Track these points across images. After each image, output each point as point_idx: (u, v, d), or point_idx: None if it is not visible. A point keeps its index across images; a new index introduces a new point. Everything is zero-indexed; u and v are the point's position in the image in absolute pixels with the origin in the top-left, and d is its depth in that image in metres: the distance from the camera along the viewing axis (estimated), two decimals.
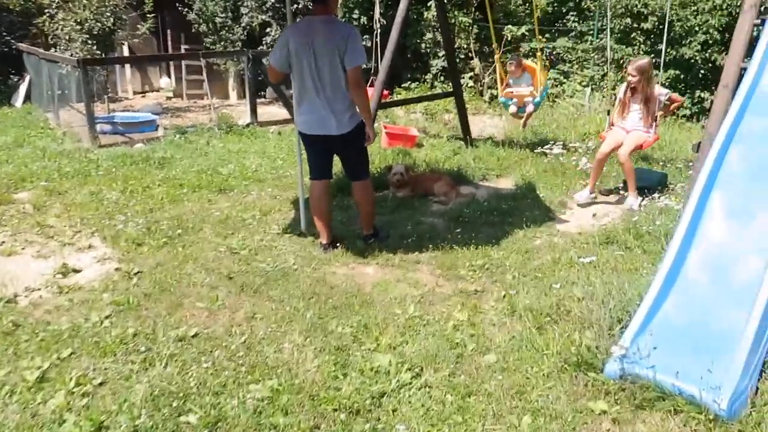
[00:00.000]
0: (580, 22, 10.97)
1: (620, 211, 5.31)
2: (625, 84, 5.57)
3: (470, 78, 11.69)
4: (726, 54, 5.29)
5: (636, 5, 9.53)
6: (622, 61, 9.66)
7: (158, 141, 8.55)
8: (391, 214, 5.32)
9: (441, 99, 9.61)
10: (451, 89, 7.37)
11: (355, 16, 11.74)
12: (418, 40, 11.88)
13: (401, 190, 5.73)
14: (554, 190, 5.91)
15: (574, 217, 5.24)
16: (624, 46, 9.91)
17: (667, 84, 9.06)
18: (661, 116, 5.56)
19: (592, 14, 10.77)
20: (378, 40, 8.73)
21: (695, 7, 9.18)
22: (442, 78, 12.01)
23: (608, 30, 10.01)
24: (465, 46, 11.85)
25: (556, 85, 10.74)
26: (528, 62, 7.05)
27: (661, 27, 9.01)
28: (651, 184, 5.70)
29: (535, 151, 7.31)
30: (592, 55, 10.65)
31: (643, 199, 5.33)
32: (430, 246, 4.42)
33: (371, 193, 4.46)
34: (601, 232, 4.62)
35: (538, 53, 6.98)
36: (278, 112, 11.07)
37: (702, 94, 9.35)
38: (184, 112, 12.24)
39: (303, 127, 4.19)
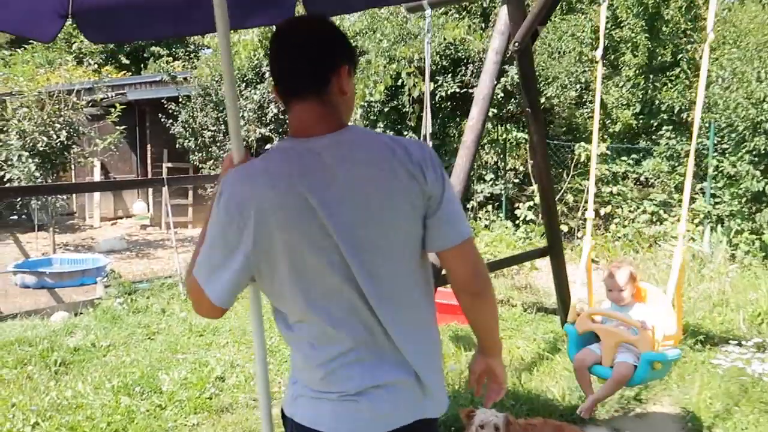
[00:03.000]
0: (680, 137, 8.59)
1: None
2: None
3: (529, 209, 9.18)
4: None
5: None
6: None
7: (88, 309, 5.89)
8: None
9: (533, 259, 5.91)
10: (546, 241, 4.70)
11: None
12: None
13: None
14: None
15: None
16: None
17: None
18: None
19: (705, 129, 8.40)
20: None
21: None
22: (489, 209, 9.53)
23: (711, 148, 7.68)
24: (521, 168, 9.49)
25: (655, 222, 8.15)
26: (647, 286, 3.44)
27: None
28: None
29: (695, 349, 4.50)
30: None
31: None
32: None
33: None
34: None
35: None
36: None
37: None
38: (154, 249, 9.74)
39: (336, 423, 1.36)
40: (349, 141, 1.34)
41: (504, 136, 9.17)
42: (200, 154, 10.68)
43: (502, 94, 9.12)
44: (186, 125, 10.63)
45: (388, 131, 9.34)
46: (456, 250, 1.38)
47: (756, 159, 6.97)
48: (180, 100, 10.86)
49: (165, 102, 10.80)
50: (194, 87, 10.69)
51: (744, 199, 7.19)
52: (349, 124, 1.41)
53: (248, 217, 1.28)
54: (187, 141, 10.75)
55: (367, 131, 1.45)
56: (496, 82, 3.73)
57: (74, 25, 2.24)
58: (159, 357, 4.59)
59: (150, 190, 12.06)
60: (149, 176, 12.14)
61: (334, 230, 1.28)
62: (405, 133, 9.41)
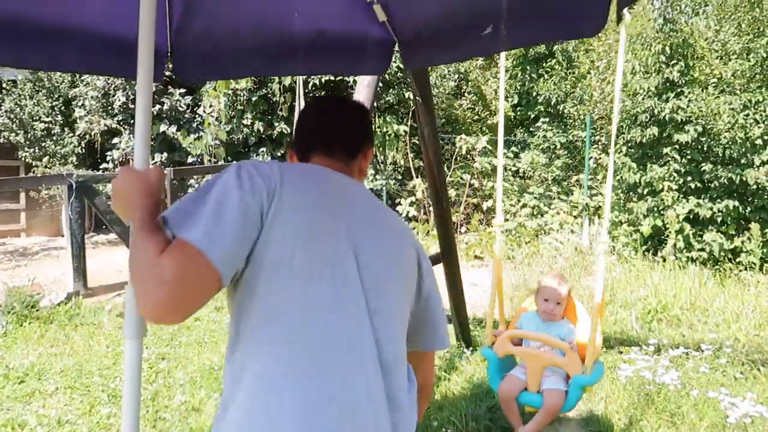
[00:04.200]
0: (560, 129, 8.62)
1: None
2: None
3: (411, 205, 8.82)
4: None
5: (662, 108, 6.72)
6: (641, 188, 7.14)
7: None
8: None
9: None
10: (439, 246, 4.21)
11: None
12: None
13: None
14: None
15: None
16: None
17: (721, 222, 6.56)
18: None
19: (577, 120, 8.46)
20: None
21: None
22: None
23: (588, 141, 7.79)
24: (402, 162, 9.09)
25: (536, 215, 8.11)
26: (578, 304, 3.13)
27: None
28: None
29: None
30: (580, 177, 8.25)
31: None
32: None
33: None
34: None
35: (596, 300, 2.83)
36: (122, 266, 7.37)
37: None
38: None
39: None
40: (372, 198, 1.39)
41: (383, 128, 8.71)
42: (32, 150, 9.11)
43: (381, 84, 8.65)
44: (12, 115, 9.02)
45: (257, 123, 8.53)
46: (432, 355, 1.47)
47: (632, 151, 7.07)
48: (3, 85, 9.20)
49: None
50: (21, 70, 9.09)
51: (619, 191, 7.30)
52: None
53: (274, 186, 1.15)
54: (14, 134, 9.13)
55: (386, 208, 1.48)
56: None
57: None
58: None
59: None
60: None
61: (355, 260, 1.21)
62: (276, 124, 8.65)
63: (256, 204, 1.10)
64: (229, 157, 8.84)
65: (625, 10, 1.69)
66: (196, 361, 4.37)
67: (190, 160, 8.61)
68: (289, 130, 8.57)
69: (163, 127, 8.35)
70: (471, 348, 4.36)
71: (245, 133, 8.59)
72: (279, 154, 8.87)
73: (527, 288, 5.91)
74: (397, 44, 2.35)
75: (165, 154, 8.47)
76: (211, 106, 8.47)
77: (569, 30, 1.86)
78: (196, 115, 8.70)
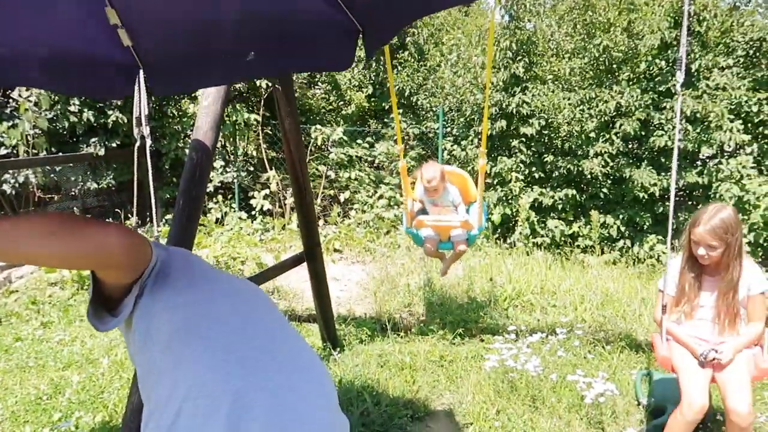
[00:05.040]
0: (414, 121, 8.73)
1: None
2: (683, 250, 2.97)
3: (265, 198, 8.45)
4: None
5: (509, 102, 7.03)
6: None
7: None
8: None
9: (290, 269, 4.08)
10: (303, 245, 3.97)
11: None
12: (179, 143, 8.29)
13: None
14: None
15: None
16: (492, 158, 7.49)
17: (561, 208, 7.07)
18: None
19: (433, 112, 8.61)
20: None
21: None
22: (219, 199, 8.52)
23: (441, 132, 8.01)
24: (254, 153, 8.66)
25: (392, 206, 8.16)
26: (453, 169, 4.27)
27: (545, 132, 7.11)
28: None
29: (455, 343, 4.34)
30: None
31: None
32: None
33: None
34: None
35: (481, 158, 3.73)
36: None
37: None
38: None
39: None
40: None
41: (233, 117, 8.21)
42: None
43: None
44: None
45: (86, 110, 7.59)
46: None
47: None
48: None
49: None
50: None
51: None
52: None
53: None
54: None
55: None
56: None
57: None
58: None
59: None
60: None
61: None
62: (110, 112, 7.77)
63: None
64: (52, 148, 7.79)
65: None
66: (17, 391, 3.72)
67: (3, 152, 7.44)
68: (126, 120, 7.74)
69: None
70: (339, 349, 4.21)
71: (72, 122, 7.61)
72: (114, 144, 7.99)
73: (389, 279, 5.91)
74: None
75: None
76: (28, 89, 7.37)
77: (324, 63, 2.22)
78: (10, 100, 7.53)
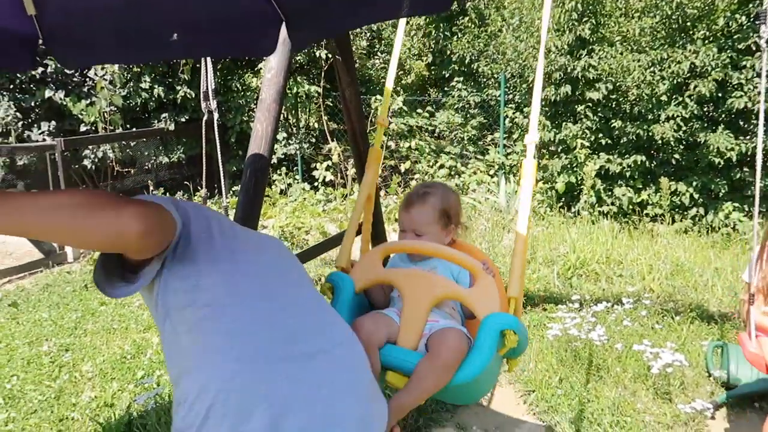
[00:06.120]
0: (475, 89, 8.60)
1: None
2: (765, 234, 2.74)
3: (327, 169, 8.59)
4: None
5: (574, 66, 6.81)
6: (552, 146, 7.32)
7: None
8: None
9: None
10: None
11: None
12: (245, 117, 8.52)
13: None
14: None
15: None
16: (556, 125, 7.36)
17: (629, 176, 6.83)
18: None
19: (491, 79, 8.45)
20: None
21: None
22: (283, 171, 8.73)
23: (503, 100, 7.85)
24: (316, 125, 8.79)
25: (453, 175, 8.13)
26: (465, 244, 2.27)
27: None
28: None
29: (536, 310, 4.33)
30: (494, 135, 8.28)
31: None
32: None
33: None
34: None
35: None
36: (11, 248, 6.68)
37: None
38: None
39: None
40: None
41: (294, 89, 8.34)
42: None
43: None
44: None
45: (156, 87, 7.90)
46: None
47: (545, 109, 7.17)
48: None
49: None
50: None
51: None
52: None
53: None
54: None
55: None
56: None
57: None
58: None
59: None
60: None
61: None
62: (178, 88, 8.06)
63: None
64: (127, 125, 8.17)
65: None
66: (104, 351, 4.02)
67: (83, 129, 7.87)
68: (193, 95, 8.01)
69: (48, 93, 7.55)
70: None
71: (144, 98, 7.95)
72: (183, 119, 8.30)
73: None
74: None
75: (53, 123, 7.69)
76: (103, 68, 7.74)
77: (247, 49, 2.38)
78: (87, 79, 7.93)
